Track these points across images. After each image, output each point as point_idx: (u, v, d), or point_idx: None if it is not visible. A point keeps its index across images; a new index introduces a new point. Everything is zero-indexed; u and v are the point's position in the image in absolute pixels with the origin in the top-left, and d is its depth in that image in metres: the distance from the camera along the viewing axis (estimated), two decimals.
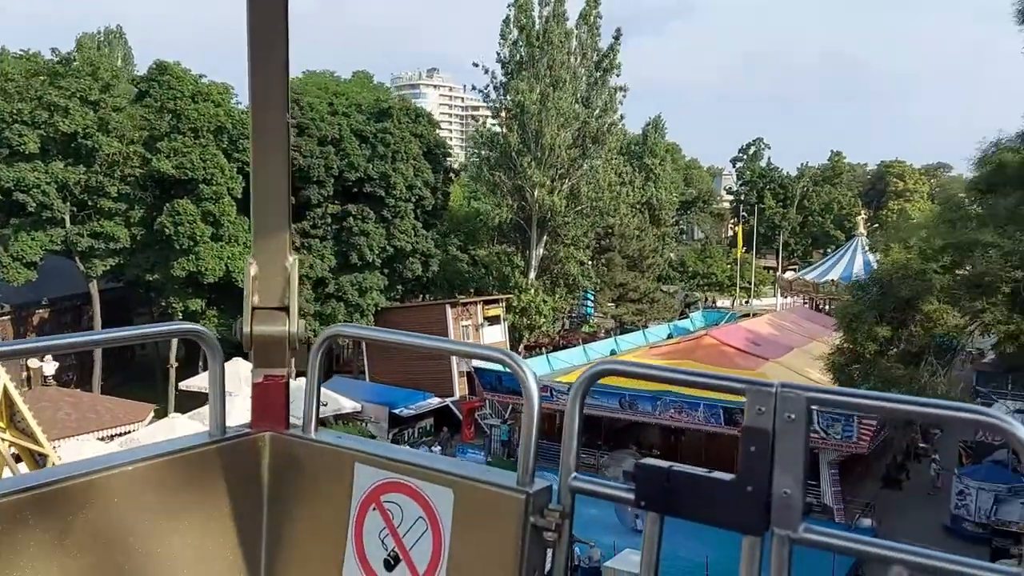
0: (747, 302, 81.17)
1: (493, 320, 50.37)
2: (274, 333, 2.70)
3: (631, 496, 1.94)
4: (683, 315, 69.81)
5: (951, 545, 26.00)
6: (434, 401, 44.65)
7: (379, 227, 47.00)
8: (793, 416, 1.73)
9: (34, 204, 38.41)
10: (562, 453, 2.11)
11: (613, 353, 47.71)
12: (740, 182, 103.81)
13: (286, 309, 2.73)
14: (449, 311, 47.40)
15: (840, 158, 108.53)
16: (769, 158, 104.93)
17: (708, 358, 38.94)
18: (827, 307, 65.47)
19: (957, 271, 21.27)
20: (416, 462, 2.41)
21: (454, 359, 48.67)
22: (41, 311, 47.19)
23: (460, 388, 46.93)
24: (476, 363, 45.57)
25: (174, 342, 45.99)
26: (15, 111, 38.36)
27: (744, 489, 1.77)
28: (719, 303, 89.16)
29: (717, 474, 1.85)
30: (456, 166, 56.21)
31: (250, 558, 2.61)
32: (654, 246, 61.26)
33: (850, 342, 21.06)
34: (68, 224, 40.92)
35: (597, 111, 50.07)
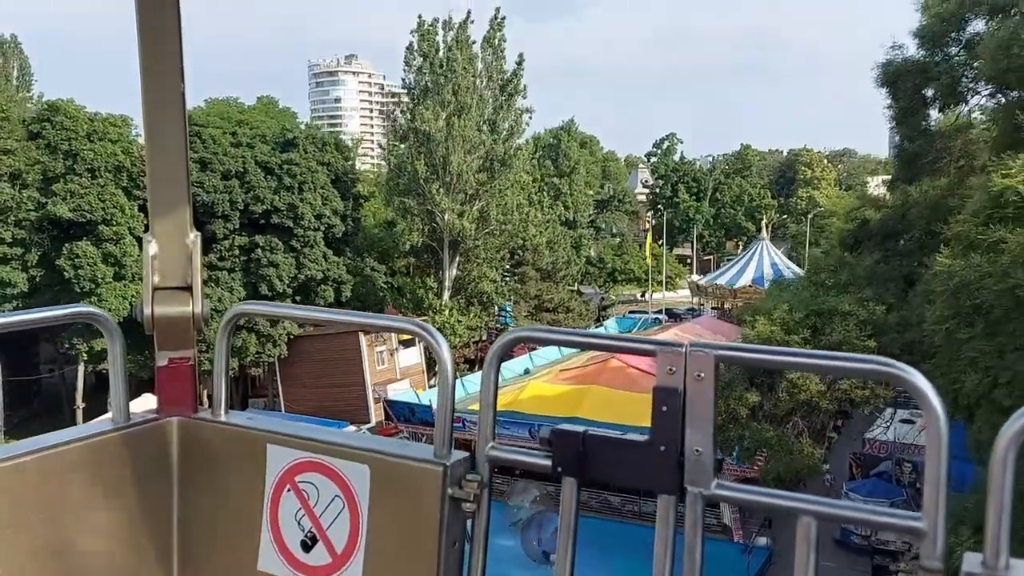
0: (658, 295, 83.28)
1: (408, 343, 50.99)
2: (178, 314, 2.63)
3: (548, 463, 1.96)
4: (599, 319, 71.64)
5: (840, 557, 27.95)
6: (350, 431, 45.17)
7: (288, 257, 47.01)
8: (702, 375, 1.76)
9: None
10: (479, 423, 2.12)
11: (527, 372, 48.90)
12: (655, 176, 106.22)
13: (189, 289, 2.65)
14: (363, 338, 47.87)
15: (749, 149, 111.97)
16: (682, 152, 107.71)
17: (614, 381, 40.46)
18: (735, 310, 68.19)
19: (820, 337, 22.89)
20: (330, 440, 2.38)
21: (369, 385, 49.29)
22: None
23: (376, 414, 47.59)
24: (390, 395, 46.33)
25: (80, 376, 45.36)
26: None
27: (657, 449, 1.80)
28: (637, 295, 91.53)
29: (631, 436, 1.89)
30: (373, 157, 56.40)
31: (161, 547, 2.56)
32: (566, 258, 62.62)
33: (724, 407, 22.55)
34: None
35: (504, 134, 50.80)
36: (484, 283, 53.29)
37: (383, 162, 58.41)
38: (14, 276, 40.58)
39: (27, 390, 48.12)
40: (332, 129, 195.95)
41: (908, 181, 28.88)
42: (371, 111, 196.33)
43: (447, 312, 51.87)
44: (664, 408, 1.79)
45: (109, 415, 2.65)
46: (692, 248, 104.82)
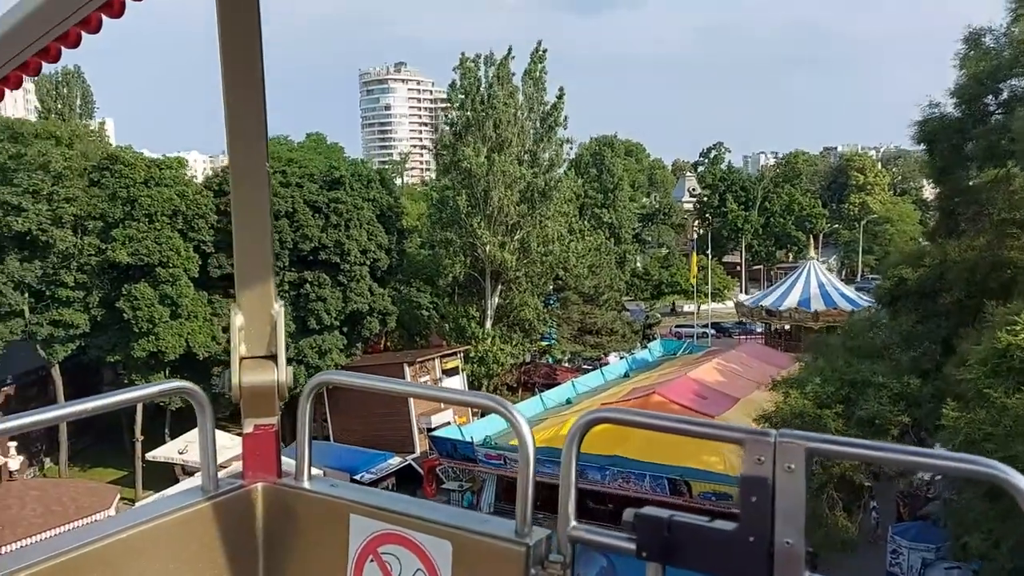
0: (705, 306, 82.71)
1: (451, 372, 51.95)
2: (263, 382, 2.69)
3: (632, 546, 1.94)
4: (645, 337, 71.57)
5: None
6: (395, 462, 46.25)
7: (336, 291, 48.36)
8: (792, 466, 1.74)
9: None
10: (560, 503, 2.09)
11: (569, 402, 49.30)
12: (703, 185, 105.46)
13: (274, 357, 2.71)
14: (407, 369, 48.91)
15: (799, 156, 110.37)
16: (729, 161, 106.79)
17: None
18: (784, 332, 67.58)
19: (852, 409, 22.91)
20: (412, 513, 2.40)
21: (413, 415, 50.35)
22: (7, 388, 48.26)
23: (421, 444, 48.62)
24: (434, 425, 47.33)
25: (139, 411, 47.42)
26: None
27: (746, 539, 1.78)
28: (684, 306, 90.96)
29: (719, 524, 1.87)
30: (421, 161, 57.45)
31: None
32: (609, 281, 62.89)
33: None
34: (27, 314, 41.95)
35: (544, 166, 51.34)
36: (526, 311, 53.93)
37: (431, 169, 59.28)
38: (77, 318, 42.63)
39: (88, 420, 50.46)
40: (382, 136, 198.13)
41: (948, 234, 28.58)
42: (419, 116, 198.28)
43: (489, 341, 52.66)
44: (753, 498, 1.78)
45: (198, 482, 2.71)
46: (741, 258, 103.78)
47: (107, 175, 42.46)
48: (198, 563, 2.54)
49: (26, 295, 41.51)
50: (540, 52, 51.97)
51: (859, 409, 22.95)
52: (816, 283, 65.20)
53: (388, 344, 57.10)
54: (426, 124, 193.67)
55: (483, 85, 49.93)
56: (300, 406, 2.62)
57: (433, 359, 50.64)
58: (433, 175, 68.75)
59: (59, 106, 77.28)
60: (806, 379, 23.80)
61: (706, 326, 79.54)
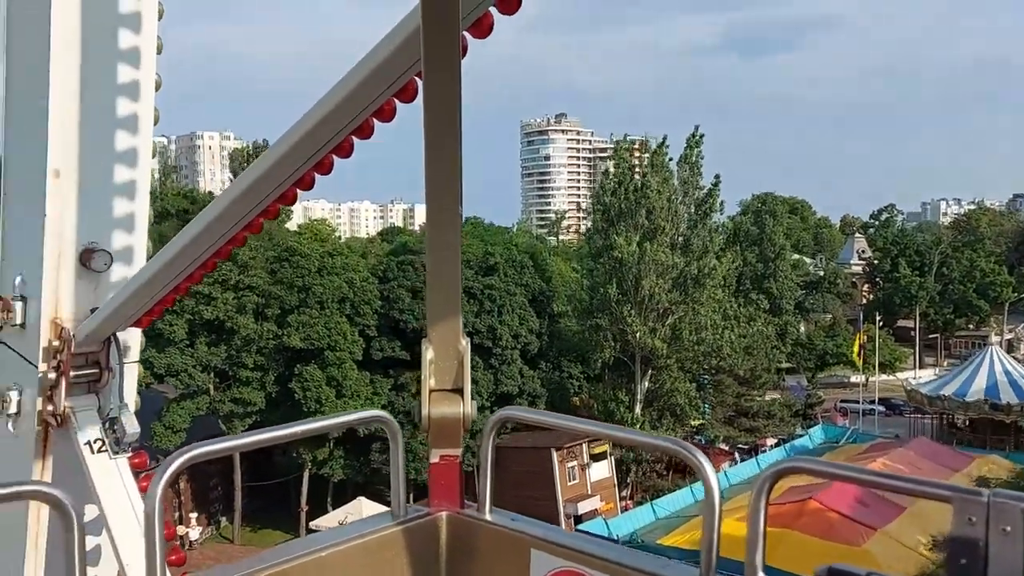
0: (870, 379, 77.94)
1: (599, 457, 51.94)
2: (449, 414, 2.79)
3: None
4: (805, 417, 68.28)
5: None
6: None
7: (487, 374, 49.90)
8: (1008, 528, 1.65)
9: (181, 386, 43.80)
10: (747, 553, 2.07)
11: (722, 495, 47.86)
12: (873, 248, 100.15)
13: (460, 391, 2.82)
14: (554, 454, 49.43)
15: (982, 215, 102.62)
16: (902, 223, 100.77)
17: (812, 527, 38.45)
18: (962, 423, 62.50)
19: None
20: (592, 551, 2.42)
21: (560, 500, 50.63)
22: None
23: (567, 529, 48.81)
24: (580, 513, 47.53)
25: (305, 481, 50.86)
26: None
27: None
28: (849, 378, 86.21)
29: None
30: (581, 206, 58.12)
31: None
32: (766, 364, 60.81)
33: None
34: (212, 392, 46.19)
35: (697, 252, 50.82)
36: (677, 396, 53.17)
37: (586, 219, 59.66)
38: (254, 396, 46.49)
39: (260, 485, 54.50)
40: (541, 186, 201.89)
41: None
42: (578, 166, 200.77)
43: (638, 426, 52.25)
44: (963, 561, 1.69)
45: (388, 509, 2.87)
46: (915, 327, 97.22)
47: (285, 265, 46.32)
48: None
49: (211, 375, 45.75)
50: (697, 137, 51.84)
51: None
52: (1001, 370, 60.06)
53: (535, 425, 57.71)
54: (584, 174, 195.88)
55: (637, 171, 50.36)
56: (483, 441, 2.75)
57: (580, 444, 50.84)
58: (589, 223, 69.13)
59: None
60: None
61: (873, 402, 74.87)
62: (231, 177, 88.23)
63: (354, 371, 46.66)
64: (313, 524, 48.97)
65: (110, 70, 3.99)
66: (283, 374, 47.21)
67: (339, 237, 63.44)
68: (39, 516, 4.14)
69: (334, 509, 49.07)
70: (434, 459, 2.84)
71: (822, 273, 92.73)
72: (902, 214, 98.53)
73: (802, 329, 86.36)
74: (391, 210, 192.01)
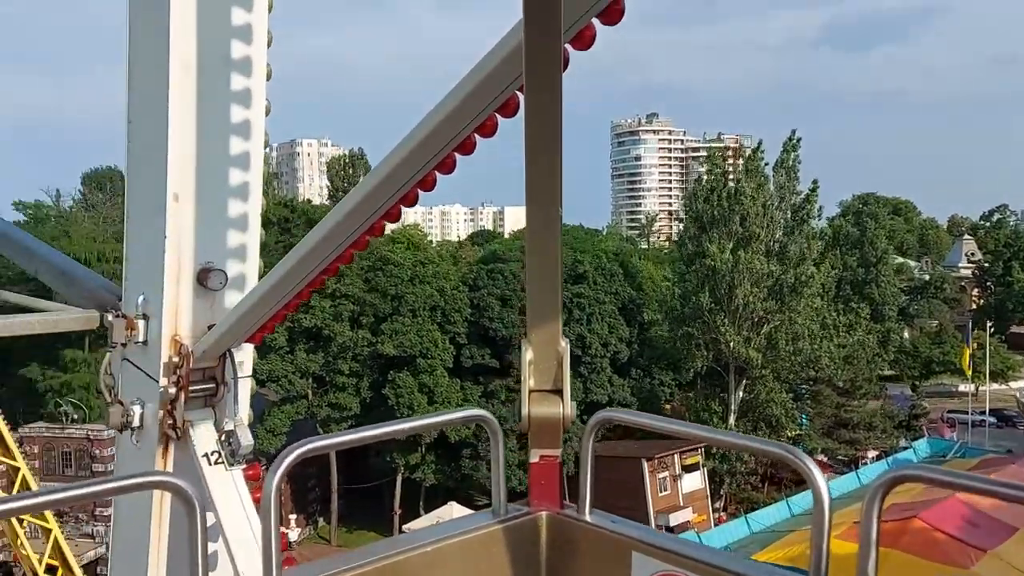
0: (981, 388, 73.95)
1: (691, 468, 51.15)
2: (549, 415, 2.79)
3: None
4: (910, 427, 65.45)
5: None
6: None
7: (576, 383, 49.76)
8: None
9: (281, 391, 45.46)
10: (859, 561, 2.04)
11: (832, 502, 46.61)
12: (983, 251, 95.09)
13: (560, 392, 2.82)
14: (644, 464, 48.94)
15: None
16: (1016, 224, 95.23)
17: (916, 546, 37.01)
18: None
19: None
20: (697, 556, 2.39)
21: (651, 512, 50.02)
22: None
23: None
24: (671, 524, 46.85)
25: (398, 486, 51.97)
26: None
27: None
28: (956, 386, 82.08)
29: None
30: (673, 208, 57.44)
31: None
32: (867, 373, 58.52)
33: None
34: (310, 397, 47.74)
35: (794, 260, 49.37)
36: (773, 407, 51.82)
37: (678, 223, 58.72)
38: (349, 401, 47.82)
39: (355, 490, 56.02)
40: (632, 187, 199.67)
41: None
42: (670, 166, 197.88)
43: None
44: None
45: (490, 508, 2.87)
46: None
47: (379, 274, 47.46)
48: None
49: (309, 380, 47.32)
50: (794, 141, 50.37)
51: None
52: None
53: (628, 430, 57.40)
54: (676, 175, 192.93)
55: (731, 176, 49.31)
56: (583, 442, 2.73)
57: (672, 455, 50.16)
58: (680, 226, 67.91)
59: (345, 185, 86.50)
60: None
61: (984, 413, 71.06)
62: (328, 184, 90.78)
63: (445, 378, 47.43)
64: (406, 527, 50.04)
65: (223, 100, 4.16)
66: (377, 380, 48.39)
67: (430, 242, 64.50)
68: (162, 507, 4.32)
69: (426, 513, 50.01)
70: (534, 459, 2.84)
71: (928, 277, 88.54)
72: (1015, 214, 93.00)
73: (906, 336, 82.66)
74: (481, 213, 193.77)
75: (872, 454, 58.04)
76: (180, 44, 3.98)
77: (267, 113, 4.37)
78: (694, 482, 50.98)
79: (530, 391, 2.80)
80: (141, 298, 4.23)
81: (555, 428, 2.79)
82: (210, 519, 3.87)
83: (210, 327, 4.17)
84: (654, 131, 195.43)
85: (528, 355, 2.80)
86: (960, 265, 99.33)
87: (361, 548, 2.59)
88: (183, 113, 4.04)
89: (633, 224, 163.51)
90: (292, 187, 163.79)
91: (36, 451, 44.02)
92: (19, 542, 22.29)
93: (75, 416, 44.71)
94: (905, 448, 58.15)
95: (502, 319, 47.46)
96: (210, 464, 4.10)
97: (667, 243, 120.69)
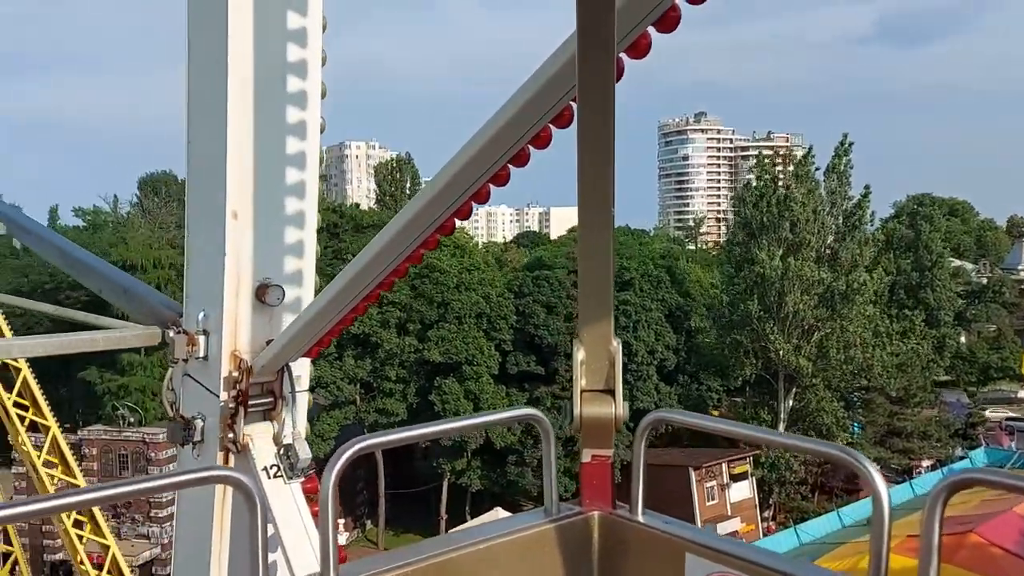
0: None
1: (739, 477, 50.45)
2: (601, 415, 2.78)
3: None
4: (966, 436, 63.65)
5: None
6: None
7: (624, 389, 49.42)
8: None
9: (330, 397, 46.07)
10: (920, 565, 2.01)
11: (870, 522, 45.67)
12: None
13: (612, 392, 2.81)
14: (692, 473, 48.42)
15: None
16: None
17: (971, 561, 36.08)
18: None
19: None
20: (752, 557, 2.36)
21: (698, 521, 49.40)
22: None
23: None
24: (719, 532, 46.22)
25: (444, 491, 52.25)
26: None
27: None
28: (1020, 393, 79.53)
29: None
30: (721, 208, 56.83)
31: None
32: (922, 381, 57.04)
33: None
34: (358, 402, 48.28)
35: (846, 266, 48.40)
36: (824, 416, 50.84)
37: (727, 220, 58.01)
38: (396, 407, 48.25)
39: (402, 495, 56.46)
40: (679, 187, 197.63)
41: None
42: (718, 165, 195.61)
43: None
44: None
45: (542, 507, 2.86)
46: None
47: (426, 281, 47.83)
48: None
49: (357, 386, 47.87)
50: (845, 146, 49.42)
51: None
52: None
53: (674, 439, 56.87)
54: (725, 174, 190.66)
55: (780, 181, 48.55)
56: (635, 443, 2.72)
57: (720, 463, 49.54)
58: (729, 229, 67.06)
59: (392, 189, 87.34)
60: None
61: None
62: (376, 188, 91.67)
63: (490, 384, 47.56)
64: (453, 532, 50.37)
65: (279, 120, 4.23)
66: (423, 386, 48.75)
67: (476, 244, 64.71)
68: (223, 503, 4.37)
69: (472, 518, 50.18)
70: (586, 459, 2.83)
71: (986, 280, 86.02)
72: None
73: (962, 340, 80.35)
74: (527, 214, 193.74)
75: (926, 463, 56.64)
76: (239, 68, 4.05)
77: (322, 131, 4.45)
78: (742, 491, 50.28)
79: (582, 391, 2.80)
80: (201, 314, 4.30)
81: (607, 428, 2.79)
82: (269, 530, 3.87)
83: (268, 342, 4.22)
84: (702, 130, 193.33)
85: (580, 355, 2.80)
86: (1020, 267, 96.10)
87: (413, 545, 2.60)
88: (241, 135, 4.13)
89: (680, 225, 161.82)
90: (341, 188, 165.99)
91: (95, 453, 45.28)
92: (79, 559, 22.66)
93: (131, 419, 45.94)
94: (961, 458, 56.53)
95: (547, 326, 47.42)
96: (269, 477, 4.16)
97: (715, 246, 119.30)
